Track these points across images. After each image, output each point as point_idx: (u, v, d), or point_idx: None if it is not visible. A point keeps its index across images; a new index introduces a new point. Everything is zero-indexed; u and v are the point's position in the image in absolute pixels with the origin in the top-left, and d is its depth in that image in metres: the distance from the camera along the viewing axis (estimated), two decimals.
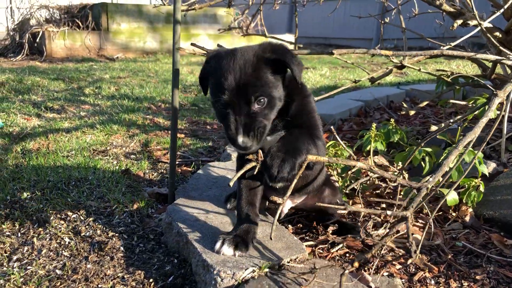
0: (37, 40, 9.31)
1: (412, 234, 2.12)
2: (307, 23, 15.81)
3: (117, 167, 3.03)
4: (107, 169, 2.96)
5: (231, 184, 1.53)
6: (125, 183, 2.75)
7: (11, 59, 9.29)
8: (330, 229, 2.29)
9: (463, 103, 3.07)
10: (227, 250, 1.76)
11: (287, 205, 2.18)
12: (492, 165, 2.77)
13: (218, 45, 2.47)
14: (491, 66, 3.30)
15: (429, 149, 2.53)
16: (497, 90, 2.16)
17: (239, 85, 1.60)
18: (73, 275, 1.84)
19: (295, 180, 1.55)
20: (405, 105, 3.38)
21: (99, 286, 1.78)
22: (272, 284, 1.64)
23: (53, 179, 2.73)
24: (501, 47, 2.70)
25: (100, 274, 1.85)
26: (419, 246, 1.92)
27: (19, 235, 2.15)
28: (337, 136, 2.44)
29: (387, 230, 2.24)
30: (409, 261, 1.64)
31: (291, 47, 3.26)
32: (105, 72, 7.49)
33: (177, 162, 3.27)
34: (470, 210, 2.45)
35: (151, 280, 1.84)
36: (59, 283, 1.78)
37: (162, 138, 3.83)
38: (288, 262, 1.81)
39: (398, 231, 2.26)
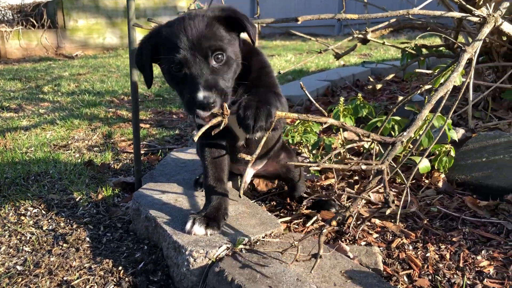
0: None
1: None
2: (268, 12, 15.74)
3: (79, 160, 2.89)
4: (69, 162, 2.83)
5: (195, 139, 1.45)
6: (89, 175, 2.63)
7: None
8: (304, 204, 2.24)
9: (429, 71, 3.06)
10: (199, 229, 1.68)
11: (249, 173, 2.12)
12: (461, 131, 2.77)
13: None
14: (453, 33, 3.30)
15: (397, 118, 2.50)
16: (465, 46, 2.14)
17: (193, 41, 1.51)
18: (36, 269, 1.72)
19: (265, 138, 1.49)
20: (371, 79, 3.35)
21: (64, 278, 1.67)
22: (247, 259, 1.57)
23: (11, 176, 2.58)
24: (463, 3, 2.70)
25: (65, 266, 1.74)
26: (398, 215, 1.90)
27: None
28: (317, 104, 2.38)
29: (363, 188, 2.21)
30: (388, 211, 1.59)
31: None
32: (64, 70, 7.23)
33: (143, 151, 3.15)
34: (443, 176, 2.44)
35: (120, 268, 1.74)
36: (20, 279, 1.66)
37: (126, 129, 3.70)
38: (263, 238, 1.74)
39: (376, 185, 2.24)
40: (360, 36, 3.33)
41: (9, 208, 2.21)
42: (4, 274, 1.70)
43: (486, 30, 2.25)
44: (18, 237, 1.97)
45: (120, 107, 4.61)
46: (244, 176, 1.50)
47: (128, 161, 2.94)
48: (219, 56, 1.54)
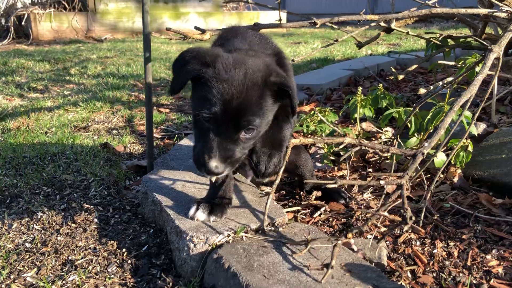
0: (23, 23, 9.12)
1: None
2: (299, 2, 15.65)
3: (96, 142, 2.94)
4: (86, 144, 2.87)
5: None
6: (104, 157, 2.67)
7: None
8: (314, 194, 2.21)
9: (452, 63, 2.97)
10: (201, 215, 1.69)
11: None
12: (482, 126, 2.68)
13: (196, 27, 2.31)
14: (482, 24, 3.19)
15: (410, 109, 2.44)
16: (491, 45, 2.06)
17: (238, 107, 1.42)
18: (43, 247, 1.76)
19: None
20: (393, 69, 3.28)
21: (69, 257, 1.71)
22: (247, 247, 1.56)
23: (29, 155, 2.64)
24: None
25: (70, 246, 1.78)
26: (408, 212, 1.85)
27: None
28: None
29: (380, 200, 2.17)
30: (405, 228, 1.56)
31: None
32: (92, 53, 7.34)
33: (160, 136, 3.18)
34: (459, 171, 2.37)
35: (123, 250, 1.76)
36: (27, 256, 1.71)
37: None
38: (267, 226, 1.73)
39: (395, 200, 2.19)
40: (384, 25, 3.26)
41: (24, 186, 2.26)
42: (13, 250, 1.75)
43: None
44: (30, 215, 2.02)
45: (143, 91, 4.65)
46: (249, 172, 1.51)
47: (145, 145, 2.97)
48: (252, 130, 1.48)
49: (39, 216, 2.01)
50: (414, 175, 1.75)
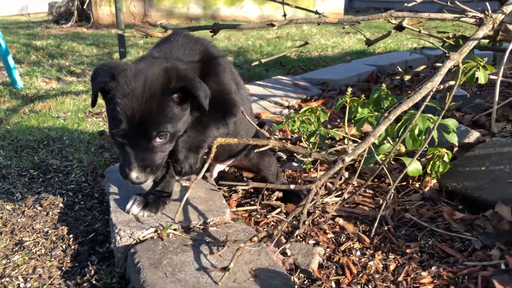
0: (85, 7, 9.62)
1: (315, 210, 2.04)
2: None
3: (97, 129, 3.11)
4: (86, 131, 3.05)
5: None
6: (97, 144, 2.83)
7: (62, 26, 9.69)
8: (276, 195, 2.23)
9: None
10: (136, 210, 1.77)
11: (217, 168, 2.15)
12: (475, 134, 2.54)
13: (161, 26, 2.35)
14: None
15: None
16: (450, 52, 1.96)
17: (141, 120, 1.47)
18: (2, 227, 1.93)
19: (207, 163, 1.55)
20: (400, 69, 3.16)
21: (23, 238, 1.86)
22: (168, 244, 1.63)
23: (31, 139, 2.85)
24: None
25: (27, 228, 1.93)
26: (303, 217, 1.84)
27: None
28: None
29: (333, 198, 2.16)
30: (297, 232, 1.57)
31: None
32: (140, 39, 7.62)
33: None
34: (434, 181, 2.28)
35: (71, 235, 1.89)
36: None
37: None
38: (200, 225, 1.79)
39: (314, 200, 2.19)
40: (395, 23, 3.16)
41: (14, 168, 2.46)
42: None
43: (481, 33, 2.04)
44: (8, 195, 2.20)
45: None
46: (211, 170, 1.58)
47: None
48: (163, 135, 1.53)
49: (15, 197, 2.19)
50: (328, 180, 1.72)
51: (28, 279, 1.64)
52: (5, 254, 1.77)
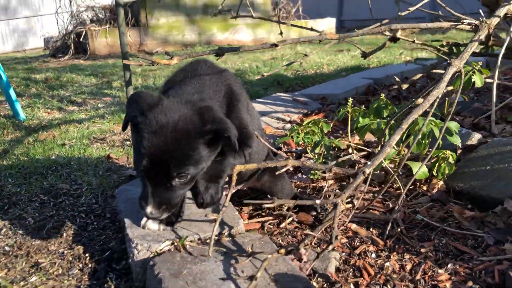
0: (81, 39, 9.75)
1: (342, 223, 2.06)
2: (357, 2, 15.38)
3: (103, 153, 3.13)
4: (93, 156, 3.08)
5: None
6: (105, 167, 2.85)
7: (60, 59, 9.81)
8: (287, 206, 2.25)
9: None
10: (152, 225, 1.79)
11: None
12: (477, 136, 2.58)
13: (166, 53, 2.39)
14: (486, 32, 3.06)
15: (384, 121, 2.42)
16: (452, 59, 2.01)
17: (166, 160, 1.48)
18: (17, 250, 1.94)
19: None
20: (397, 78, 3.22)
21: (39, 260, 1.87)
22: (186, 255, 1.64)
23: (39, 165, 2.87)
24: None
25: (42, 250, 1.94)
26: (334, 232, 1.85)
27: None
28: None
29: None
30: (330, 247, 1.59)
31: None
32: (137, 66, 7.72)
33: None
34: (441, 183, 2.31)
35: (87, 254, 1.90)
36: (3, 258, 1.89)
37: None
38: (216, 236, 1.80)
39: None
40: (389, 35, 3.24)
41: (24, 194, 2.48)
42: None
43: (477, 38, 2.10)
44: (21, 221, 2.22)
45: None
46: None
47: None
48: (184, 177, 1.54)
49: (27, 222, 2.20)
50: (355, 193, 1.74)
51: None
52: (22, 276, 1.77)
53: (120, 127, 3.87)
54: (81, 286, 1.72)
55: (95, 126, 3.98)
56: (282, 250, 1.55)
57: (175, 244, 1.71)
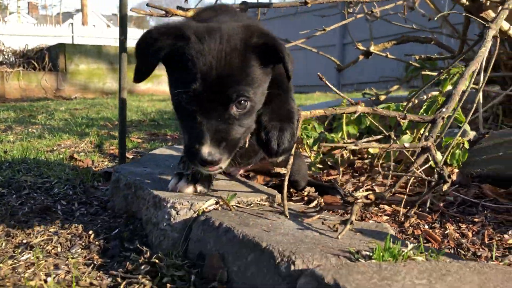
0: None
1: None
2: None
3: (62, 156, 2.69)
4: (49, 158, 2.62)
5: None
6: (70, 166, 2.41)
7: None
8: (307, 190, 2.01)
9: (434, 73, 2.93)
10: (185, 186, 1.45)
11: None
12: (472, 133, 2.59)
13: (178, 7, 2.16)
14: (460, 42, 3.20)
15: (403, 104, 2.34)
16: (489, 23, 2.00)
17: (219, 78, 1.22)
18: None
19: None
20: (374, 90, 3.22)
21: (23, 241, 1.43)
22: (240, 213, 1.33)
23: None
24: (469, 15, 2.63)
25: (26, 230, 1.50)
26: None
27: None
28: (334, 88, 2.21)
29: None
30: (444, 187, 1.48)
31: None
32: (61, 106, 7.14)
33: (132, 156, 2.95)
34: (456, 170, 2.23)
35: (90, 232, 1.50)
36: None
37: (117, 140, 3.51)
38: (258, 201, 1.51)
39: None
40: (363, 48, 3.25)
41: None
42: None
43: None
44: None
45: (114, 129, 4.44)
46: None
47: (115, 163, 2.73)
48: (243, 102, 1.26)
49: None
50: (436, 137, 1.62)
51: (54, 275, 1.22)
52: (9, 255, 1.33)
53: (65, 142, 3.40)
54: (94, 262, 1.32)
55: (32, 144, 3.46)
56: (372, 196, 1.32)
57: (221, 203, 1.39)
